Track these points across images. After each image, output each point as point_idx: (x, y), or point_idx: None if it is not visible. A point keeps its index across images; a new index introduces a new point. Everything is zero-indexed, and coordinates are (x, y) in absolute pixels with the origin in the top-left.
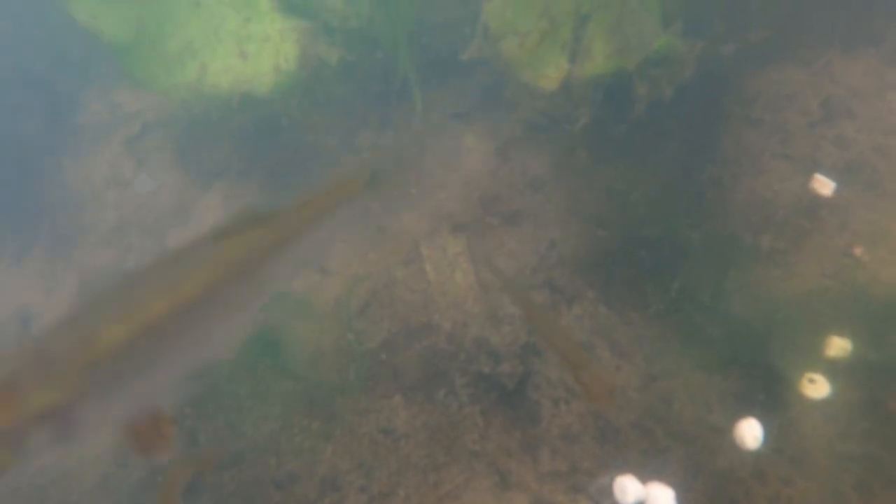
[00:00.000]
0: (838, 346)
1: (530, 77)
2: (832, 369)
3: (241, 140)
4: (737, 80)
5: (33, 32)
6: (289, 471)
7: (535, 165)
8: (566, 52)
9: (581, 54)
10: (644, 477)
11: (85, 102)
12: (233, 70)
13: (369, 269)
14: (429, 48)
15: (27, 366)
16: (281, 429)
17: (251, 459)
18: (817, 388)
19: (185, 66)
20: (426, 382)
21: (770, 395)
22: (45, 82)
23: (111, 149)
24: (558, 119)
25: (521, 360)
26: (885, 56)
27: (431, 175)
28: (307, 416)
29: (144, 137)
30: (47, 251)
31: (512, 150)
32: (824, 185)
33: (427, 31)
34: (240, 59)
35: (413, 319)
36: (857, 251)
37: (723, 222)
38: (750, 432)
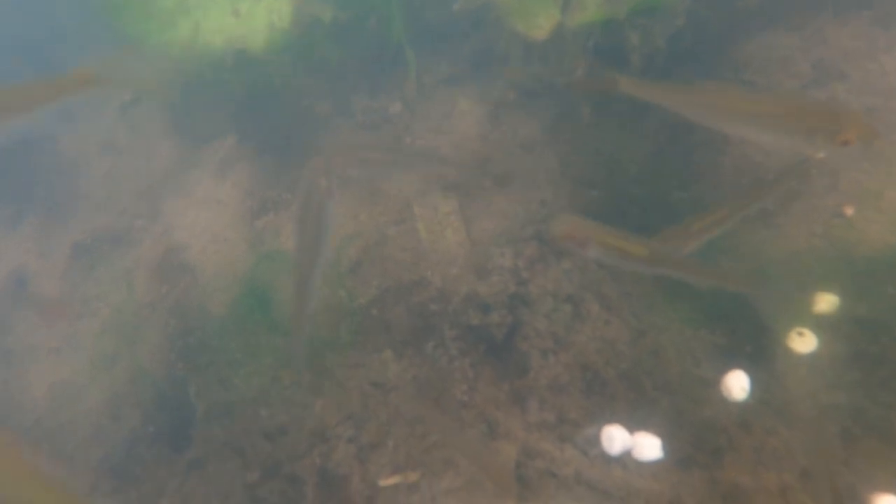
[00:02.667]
0: (826, 301)
1: (522, 26)
2: (820, 324)
3: (234, 104)
4: (729, 43)
5: (27, 1)
6: (279, 423)
7: (526, 129)
8: (558, 1)
9: (573, 3)
10: (631, 427)
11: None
12: (226, 28)
13: (360, 228)
14: (421, 13)
15: None
16: (271, 382)
17: (242, 411)
18: (805, 341)
19: (178, 23)
20: (416, 336)
21: (758, 349)
22: (40, 49)
23: (105, 115)
24: (552, 76)
25: (510, 310)
26: (877, 19)
27: (424, 138)
28: (298, 370)
29: (138, 102)
30: (42, 216)
31: (503, 114)
32: None
33: None
34: (233, 18)
35: (404, 276)
36: (847, 211)
37: (713, 183)
38: (737, 383)
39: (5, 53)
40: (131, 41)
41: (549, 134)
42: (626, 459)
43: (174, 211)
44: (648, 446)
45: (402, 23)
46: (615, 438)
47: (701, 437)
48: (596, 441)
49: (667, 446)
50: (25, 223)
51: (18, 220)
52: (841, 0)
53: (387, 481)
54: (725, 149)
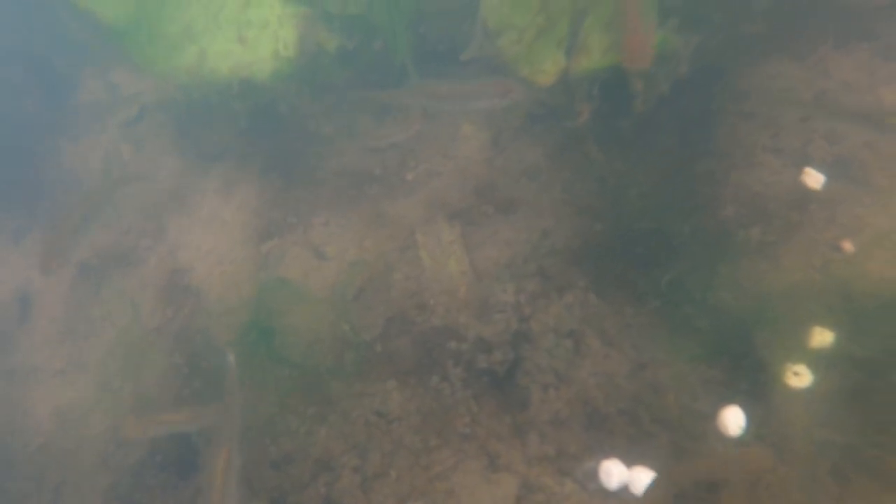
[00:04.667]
0: (821, 337)
1: (527, 72)
2: (815, 359)
3: (240, 126)
4: (731, 74)
5: (33, 12)
6: (285, 452)
7: (530, 155)
8: (563, 47)
9: (577, 50)
10: (629, 461)
11: (84, 83)
12: (232, 55)
13: (366, 255)
14: (426, 37)
15: None
16: (278, 411)
17: (248, 440)
18: (800, 378)
19: (185, 50)
20: (420, 368)
21: (754, 384)
22: (45, 62)
23: (109, 131)
24: (556, 111)
25: (512, 346)
26: (877, 51)
27: (428, 163)
28: (302, 400)
29: (142, 120)
30: (45, 232)
31: (508, 140)
32: (814, 179)
33: (425, 20)
34: (239, 45)
35: (408, 306)
36: (845, 245)
37: (714, 215)
38: (733, 420)
39: (11, 64)
40: (138, 65)
41: (554, 161)
42: (623, 494)
43: (179, 230)
44: (645, 481)
45: (407, 46)
46: (613, 473)
47: (698, 471)
48: (594, 475)
49: (663, 481)
50: (29, 238)
51: (22, 236)
52: (842, 30)
53: None
54: (727, 179)
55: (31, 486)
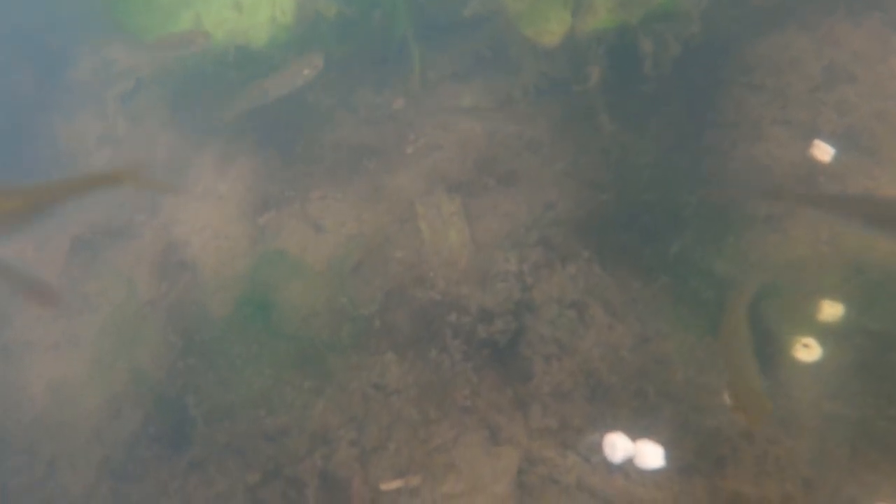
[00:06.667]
0: (831, 310)
1: (532, 32)
2: (824, 332)
3: (235, 98)
4: (739, 45)
5: None
6: (280, 424)
7: (532, 127)
8: (569, 6)
9: (584, 8)
10: (634, 434)
11: (78, 58)
12: (228, 21)
13: (364, 228)
14: (427, 9)
15: None
16: (273, 384)
17: (243, 413)
18: (809, 351)
19: (179, 16)
20: (419, 339)
21: (762, 358)
22: (38, 38)
23: (104, 106)
24: (561, 80)
25: (515, 316)
26: (890, 21)
27: (427, 136)
28: (299, 373)
29: (138, 94)
30: None
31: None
32: (824, 152)
33: None
34: (235, 11)
35: (407, 278)
36: None
37: (721, 187)
38: None
39: (3, 43)
40: (131, 33)
41: (557, 134)
42: (628, 467)
43: (174, 205)
44: (650, 454)
45: (408, 17)
46: (617, 446)
47: (703, 445)
48: (598, 448)
49: (669, 454)
50: None
51: None
52: (853, 1)
53: (389, 486)
54: (734, 151)
55: (25, 460)
